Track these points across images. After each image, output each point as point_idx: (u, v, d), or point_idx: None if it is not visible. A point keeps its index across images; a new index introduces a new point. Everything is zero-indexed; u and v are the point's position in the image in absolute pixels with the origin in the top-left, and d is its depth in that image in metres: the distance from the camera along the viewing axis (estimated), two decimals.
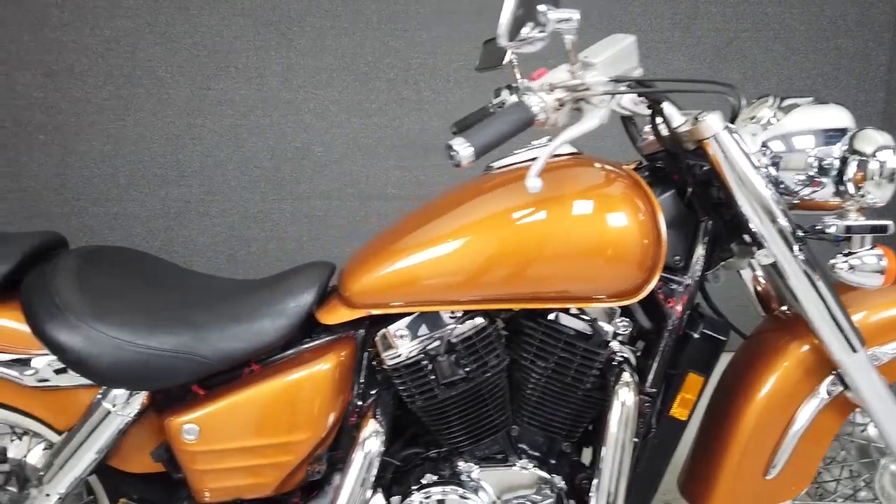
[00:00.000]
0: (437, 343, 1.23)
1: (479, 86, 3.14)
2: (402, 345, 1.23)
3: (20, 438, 1.29)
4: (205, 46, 3.00)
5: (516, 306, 1.24)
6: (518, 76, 1.64)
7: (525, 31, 1.10)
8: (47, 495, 1.20)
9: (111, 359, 1.16)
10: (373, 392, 1.30)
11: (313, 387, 1.21)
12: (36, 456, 1.29)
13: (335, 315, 1.24)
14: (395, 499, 1.27)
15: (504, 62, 1.65)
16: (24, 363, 1.20)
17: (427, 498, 1.24)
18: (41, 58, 2.95)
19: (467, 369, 1.24)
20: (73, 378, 1.20)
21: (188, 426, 1.18)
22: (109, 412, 1.19)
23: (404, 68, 3.10)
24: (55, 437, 1.27)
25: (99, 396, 1.21)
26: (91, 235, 3.07)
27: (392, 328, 1.24)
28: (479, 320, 1.24)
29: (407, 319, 1.24)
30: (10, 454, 1.27)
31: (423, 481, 1.27)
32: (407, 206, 3.15)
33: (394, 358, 1.24)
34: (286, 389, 1.20)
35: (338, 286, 1.30)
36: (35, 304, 1.17)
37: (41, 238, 1.27)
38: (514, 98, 1.56)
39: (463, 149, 1.04)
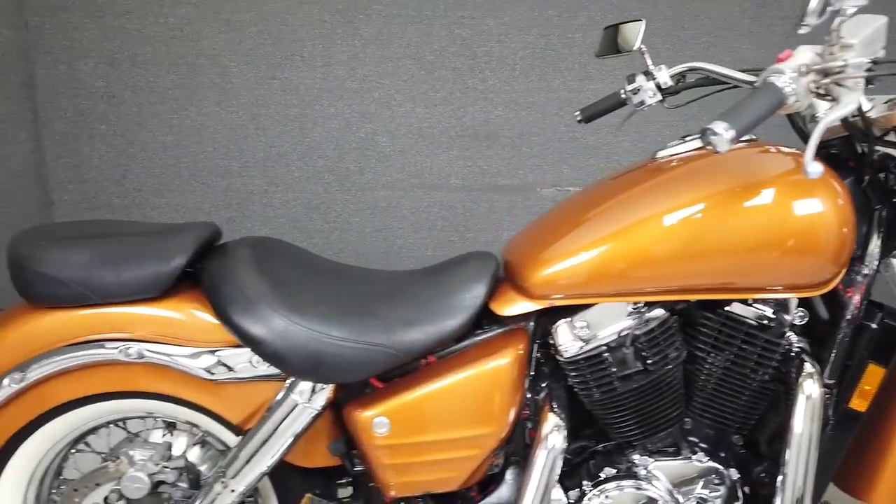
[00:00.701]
0: (619, 335, 1.20)
1: (546, 75, 3.11)
2: (584, 336, 1.21)
3: (188, 435, 1.27)
4: (270, 34, 2.95)
5: (703, 296, 1.22)
6: (650, 62, 1.61)
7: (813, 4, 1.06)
8: (232, 491, 1.18)
9: (309, 351, 1.13)
10: (542, 385, 1.27)
11: (497, 379, 1.19)
12: (197, 453, 1.26)
13: (512, 306, 1.21)
14: (574, 493, 1.25)
15: (634, 48, 1.62)
16: (204, 357, 1.17)
17: (609, 491, 1.22)
18: (104, 46, 2.90)
19: (649, 362, 1.22)
20: (253, 371, 1.18)
21: (379, 419, 1.16)
22: (297, 405, 1.17)
23: (470, 56, 3.06)
24: (225, 434, 1.25)
25: (285, 390, 1.18)
26: None
27: (573, 319, 1.21)
28: (661, 311, 1.22)
29: (589, 311, 1.21)
30: (177, 451, 1.24)
31: (602, 475, 1.25)
32: (470, 196, 3.18)
33: (573, 350, 1.21)
34: (472, 382, 1.18)
35: (509, 276, 1.27)
36: (226, 296, 1.14)
37: (209, 229, 1.24)
38: (650, 84, 1.52)
39: (725, 132, 0.99)
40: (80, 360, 1.15)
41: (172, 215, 3.05)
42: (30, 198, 2.80)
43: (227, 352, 1.17)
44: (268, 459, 1.17)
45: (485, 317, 1.25)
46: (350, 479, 1.31)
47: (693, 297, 1.22)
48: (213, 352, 1.17)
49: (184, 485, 1.23)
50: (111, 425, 1.32)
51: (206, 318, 1.18)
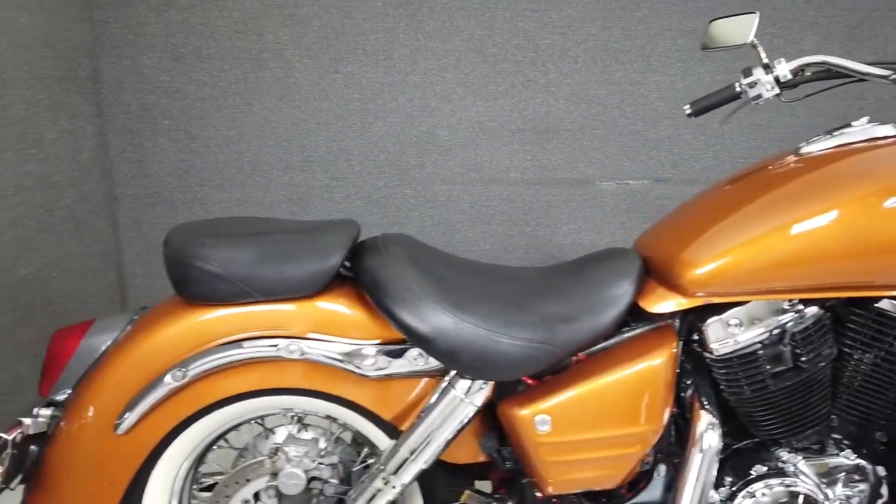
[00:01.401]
0: (773, 332, 1.20)
1: (608, 67, 3.10)
2: (737, 334, 1.20)
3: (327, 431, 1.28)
4: (333, 28, 2.94)
5: (861, 293, 1.20)
6: (764, 55, 1.60)
7: None
8: (394, 487, 1.18)
9: (478, 349, 1.13)
10: (687, 382, 1.27)
11: (654, 376, 1.18)
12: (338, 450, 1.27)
13: (663, 303, 1.21)
14: (723, 490, 1.25)
15: (748, 41, 1.61)
16: (362, 353, 1.18)
17: (760, 490, 1.22)
18: (168, 40, 2.89)
19: (802, 359, 1.21)
20: (409, 367, 1.18)
21: (541, 417, 1.16)
22: (459, 401, 1.17)
23: (533, 49, 3.04)
24: (371, 430, 1.25)
25: (444, 386, 1.19)
26: None
27: (725, 316, 1.21)
28: (816, 309, 1.21)
29: (742, 307, 1.20)
30: (322, 445, 1.25)
31: (752, 473, 1.24)
32: (529, 190, 3.17)
33: (725, 347, 1.21)
34: (630, 380, 1.18)
35: (656, 273, 1.27)
36: (392, 293, 1.14)
37: (356, 227, 1.24)
38: (768, 78, 1.50)
39: None
40: (243, 356, 1.15)
41: (234, 210, 3.05)
42: (97, 193, 2.81)
43: (384, 348, 1.17)
44: (427, 455, 1.17)
45: (630, 314, 1.25)
46: (493, 477, 1.31)
47: (851, 294, 1.21)
48: (369, 348, 1.17)
49: (335, 481, 1.23)
50: (252, 421, 1.32)
51: (361, 314, 1.19)
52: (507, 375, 1.16)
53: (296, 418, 1.35)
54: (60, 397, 1.22)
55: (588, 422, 1.16)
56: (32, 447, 1.22)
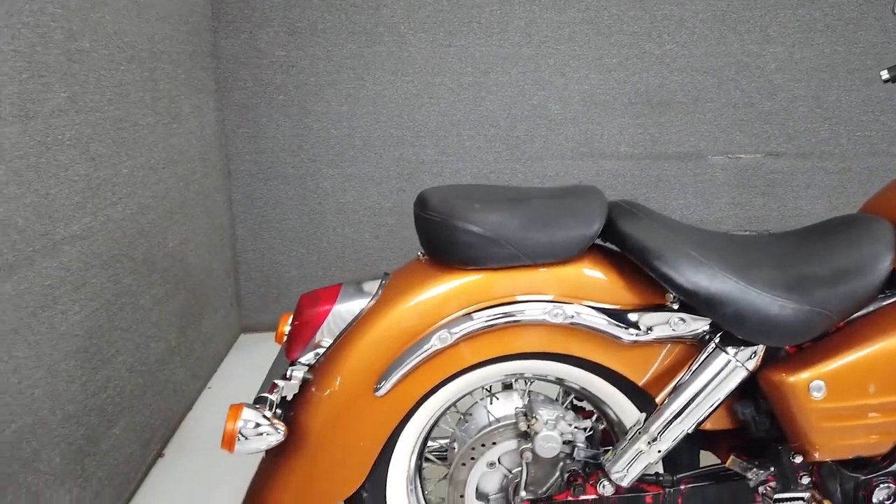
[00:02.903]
0: None
1: (725, 38, 3.04)
2: None
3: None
4: (448, 1, 2.92)
5: None
6: None
7: None
8: (658, 451, 1.18)
9: (765, 314, 1.13)
10: None
11: None
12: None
13: None
14: None
15: None
16: (624, 318, 1.17)
17: None
18: (284, 14, 2.89)
19: None
20: (670, 332, 1.18)
21: (815, 383, 1.15)
22: (731, 365, 1.16)
23: (649, 20, 3.00)
24: (618, 399, 1.25)
25: (711, 350, 1.18)
26: (324, 197, 3.04)
27: None
28: None
29: None
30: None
31: None
32: (639, 164, 3.14)
33: None
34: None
35: None
36: (669, 258, 1.14)
37: (602, 194, 1.22)
38: None
39: None
40: (507, 318, 1.15)
41: (344, 185, 3.06)
42: (217, 168, 2.83)
43: (645, 314, 1.17)
44: (694, 418, 1.17)
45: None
46: (723, 446, 1.31)
47: None
48: (631, 313, 1.18)
49: (586, 446, 1.23)
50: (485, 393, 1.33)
51: (617, 280, 1.19)
52: (788, 341, 1.14)
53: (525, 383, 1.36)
54: (307, 360, 1.24)
55: (862, 388, 1.15)
56: (278, 410, 1.24)
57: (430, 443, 1.36)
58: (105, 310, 1.76)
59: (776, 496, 1.19)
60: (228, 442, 1.11)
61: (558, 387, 1.43)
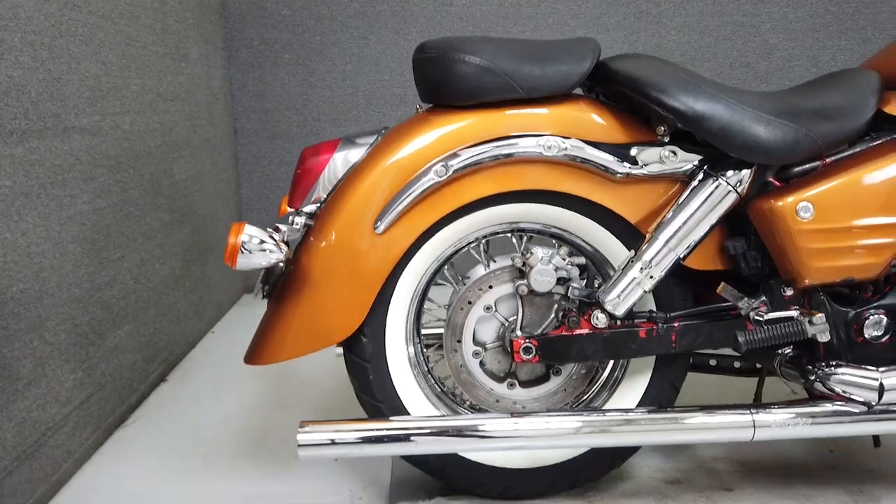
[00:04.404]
0: None
1: None
2: None
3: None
4: None
5: None
6: None
7: None
8: (651, 277, 1.20)
9: (751, 129, 1.16)
10: None
11: None
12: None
13: None
14: None
15: None
16: (617, 152, 1.21)
17: None
18: None
19: None
20: (661, 167, 1.21)
21: (803, 204, 1.17)
22: (726, 190, 1.19)
23: None
24: (609, 242, 1.28)
25: (701, 177, 1.21)
26: None
27: None
28: None
29: None
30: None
31: None
32: None
33: None
34: (884, 173, 1.18)
35: None
36: (663, 81, 1.17)
37: (597, 43, 1.27)
38: None
39: None
40: (502, 151, 1.18)
41: None
42: (223, 123, 2.89)
43: (638, 147, 1.21)
44: (688, 243, 1.19)
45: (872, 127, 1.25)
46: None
47: None
48: (623, 147, 1.20)
49: (579, 284, 1.25)
50: (481, 245, 1.36)
51: (610, 119, 1.23)
52: (774, 158, 1.17)
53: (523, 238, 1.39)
54: (310, 209, 1.27)
55: (849, 209, 1.17)
56: (279, 263, 1.26)
57: (426, 304, 1.38)
58: (112, 212, 1.80)
59: (767, 316, 1.21)
60: (231, 255, 1.13)
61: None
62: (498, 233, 1.33)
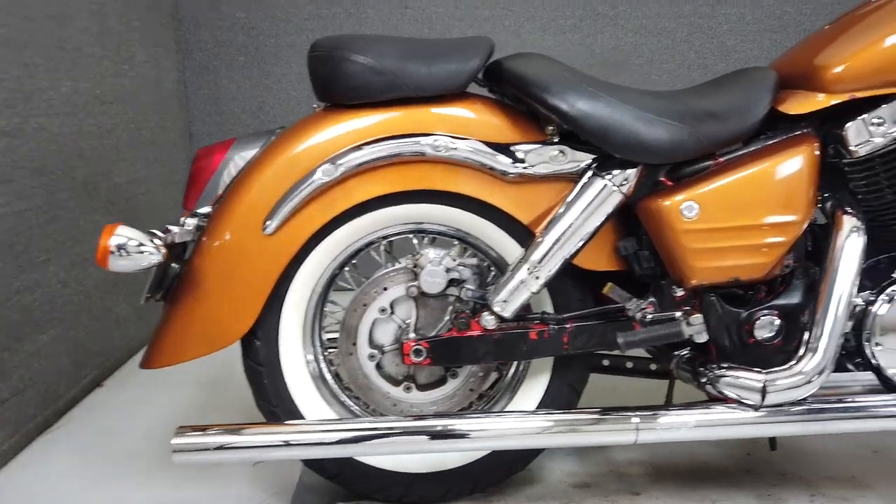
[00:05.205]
0: None
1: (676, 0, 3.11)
2: (878, 133, 1.20)
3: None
4: None
5: None
6: None
7: None
8: (537, 277, 1.19)
9: (631, 128, 1.16)
10: (826, 195, 1.26)
11: (797, 167, 1.17)
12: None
13: (805, 102, 1.20)
14: (864, 294, 1.24)
15: None
16: (505, 151, 1.20)
17: None
18: None
19: None
20: (549, 168, 1.20)
21: (688, 204, 1.16)
22: (610, 190, 1.18)
23: None
24: (506, 245, 1.26)
25: (591, 175, 1.20)
26: None
27: (867, 116, 1.20)
28: None
29: (884, 106, 1.20)
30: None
31: (895, 276, 1.24)
32: None
33: (866, 148, 1.20)
34: (775, 171, 1.17)
35: (795, 82, 1.27)
36: (545, 80, 1.17)
37: (492, 42, 1.26)
38: None
39: None
40: (390, 150, 1.17)
41: None
42: (175, 127, 2.87)
43: (524, 146, 1.19)
44: (574, 243, 1.17)
45: (768, 125, 1.24)
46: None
47: None
48: (513, 147, 1.19)
49: (473, 286, 1.24)
50: (382, 246, 1.34)
51: (501, 118, 1.22)
52: (656, 158, 1.16)
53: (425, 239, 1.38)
54: (203, 210, 1.26)
55: (735, 209, 1.16)
56: (174, 265, 1.25)
57: (330, 307, 1.37)
58: (35, 215, 1.79)
59: (650, 317, 1.20)
60: (101, 258, 1.12)
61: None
62: (400, 234, 1.32)
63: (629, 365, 1.42)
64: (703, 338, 1.18)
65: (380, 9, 3.02)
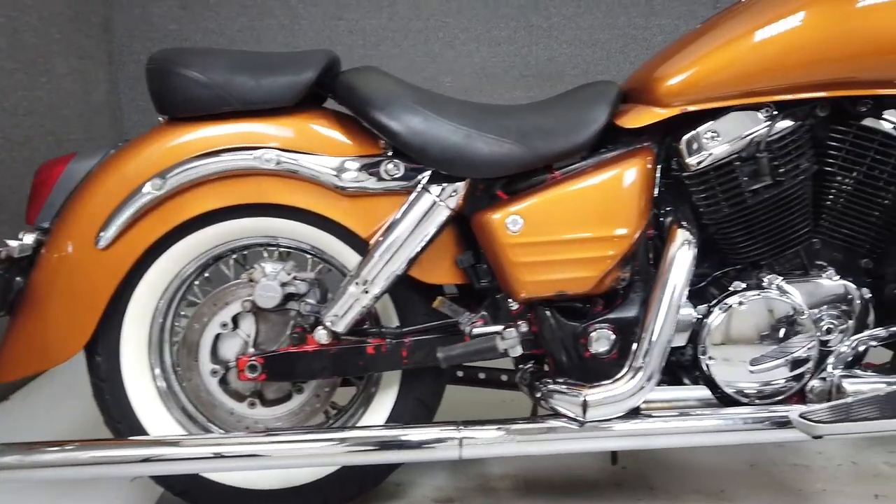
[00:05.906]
0: (751, 141, 1.19)
1: (611, 11, 3.11)
2: (712, 146, 1.20)
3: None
4: None
5: (834, 93, 1.17)
6: None
7: None
8: (365, 292, 1.19)
9: (451, 143, 1.16)
10: (666, 209, 1.26)
11: (628, 182, 1.18)
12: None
13: (641, 116, 1.20)
14: (702, 307, 1.24)
15: None
16: (337, 165, 1.20)
17: (739, 302, 1.20)
18: None
19: (780, 170, 1.20)
20: (382, 183, 1.20)
21: (512, 218, 1.16)
22: (435, 204, 1.18)
23: None
24: (347, 256, 1.26)
25: (419, 191, 1.20)
26: None
27: (702, 129, 1.20)
28: (791, 121, 1.21)
29: (718, 120, 1.20)
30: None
31: (731, 289, 1.23)
32: None
33: (702, 161, 1.20)
34: (603, 185, 1.18)
35: (635, 97, 1.27)
36: (367, 95, 1.17)
37: (334, 54, 1.26)
38: None
39: None
40: (219, 165, 1.17)
41: None
42: (106, 137, 2.87)
43: (358, 161, 1.19)
44: (403, 258, 1.17)
45: (608, 139, 1.25)
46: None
47: (831, 94, 1.17)
48: (344, 161, 1.19)
49: (312, 300, 1.23)
50: (232, 260, 1.34)
51: (337, 132, 1.22)
52: (478, 172, 1.17)
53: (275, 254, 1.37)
54: (45, 225, 1.25)
55: (560, 222, 1.16)
56: (18, 279, 1.24)
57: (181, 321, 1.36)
58: None
59: (475, 331, 1.19)
60: None
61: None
62: (249, 247, 1.31)
63: (482, 376, 1.41)
64: (517, 352, 1.18)
65: (313, 21, 3.03)
